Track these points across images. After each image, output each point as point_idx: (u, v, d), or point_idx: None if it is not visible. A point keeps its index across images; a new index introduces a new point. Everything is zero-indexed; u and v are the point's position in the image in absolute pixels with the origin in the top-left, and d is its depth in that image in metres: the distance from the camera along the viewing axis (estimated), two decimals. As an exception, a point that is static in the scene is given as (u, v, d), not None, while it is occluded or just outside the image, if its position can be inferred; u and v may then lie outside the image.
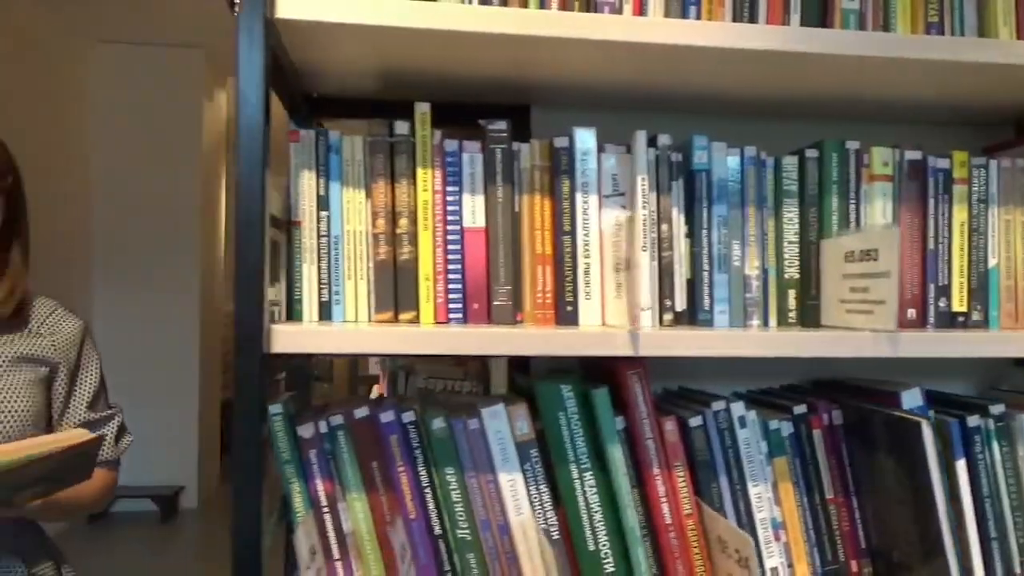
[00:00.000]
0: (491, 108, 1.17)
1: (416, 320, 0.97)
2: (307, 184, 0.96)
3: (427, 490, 0.95)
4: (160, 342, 5.15)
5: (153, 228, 5.15)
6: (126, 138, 5.13)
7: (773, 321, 1.06)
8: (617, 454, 0.96)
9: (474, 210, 0.99)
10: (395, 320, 0.97)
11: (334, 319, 0.97)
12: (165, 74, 5.22)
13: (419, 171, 0.97)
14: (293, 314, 0.96)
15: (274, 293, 0.92)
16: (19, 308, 1.22)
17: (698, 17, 1.02)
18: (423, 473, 0.95)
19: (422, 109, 0.98)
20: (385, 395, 2.03)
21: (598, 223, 1.02)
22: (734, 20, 1.03)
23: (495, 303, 0.98)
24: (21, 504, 1.06)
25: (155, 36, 5.13)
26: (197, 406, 5.26)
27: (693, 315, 1.03)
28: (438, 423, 0.95)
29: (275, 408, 0.93)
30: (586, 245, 1.01)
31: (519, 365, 1.22)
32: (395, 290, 0.97)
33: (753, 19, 1.03)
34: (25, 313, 1.23)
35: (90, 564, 4.24)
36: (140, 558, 4.38)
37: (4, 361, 1.16)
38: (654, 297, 1.01)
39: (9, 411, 1.13)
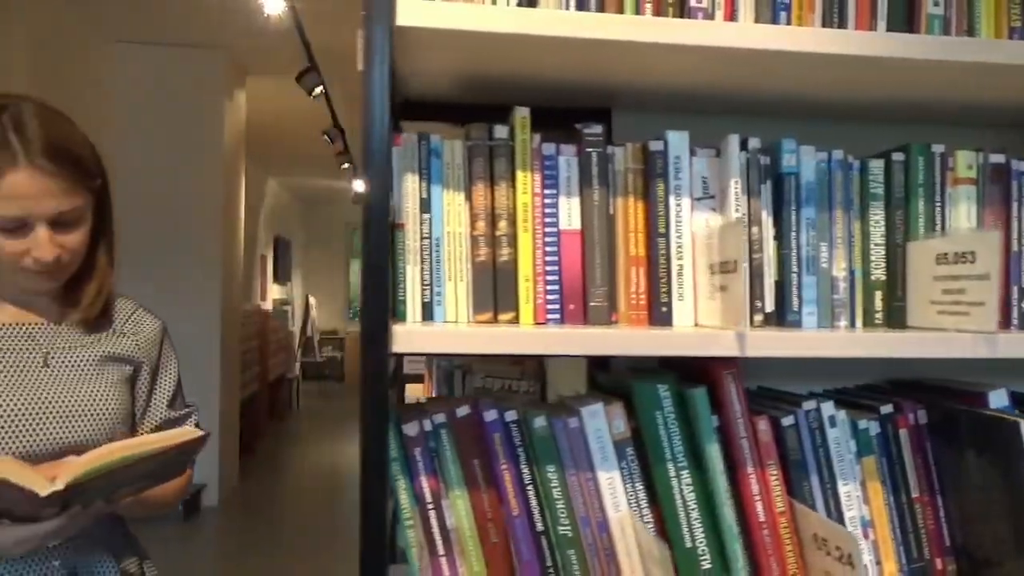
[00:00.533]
0: (572, 112, 1.19)
1: (515, 321, 0.99)
2: (410, 187, 0.98)
3: (529, 488, 0.96)
4: (181, 341, 5.16)
5: (174, 228, 5.17)
6: (147, 138, 5.15)
7: (859, 322, 1.08)
8: (715, 453, 0.97)
9: (570, 212, 1.01)
10: (495, 320, 0.99)
11: (435, 319, 0.98)
12: (186, 74, 5.24)
13: (519, 174, 0.99)
14: (397, 314, 0.97)
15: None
16: (104, 308, 1.23)
17: (788, 23, 1.04)
18: (525, 471, 0.96)
19: (522, 113, 0.99)
20: (434, 394, 2.05)
21: (690, 225, 1.03)
22: (823, 26, 1.04)
23: (592, 304, 1.00)
24: (118, 500, 1.07)
25: (175, 36, 5.15)
26: (218, 405, 5.28)
27: (781, 316, 1.05)
28: (539, 422, 0.96)
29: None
30: (679, 247, 1.02)
31: (599, 364, 1.24)
32: (494, 291, 0.99)
33: (842, 24, 1.05)
34: (109, 313, 1.25)
35: (117, 561, 4.25)
36: (166, 557, 4.41)
37: (92, 361, 1.18)
38: (746, 299, 1.02)
39: (100, 410, 1.14)
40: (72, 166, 1.09)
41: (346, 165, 7.58)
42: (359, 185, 9.25)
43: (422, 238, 0.98)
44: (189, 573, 4.15)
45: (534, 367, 1.74)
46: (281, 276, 10.41)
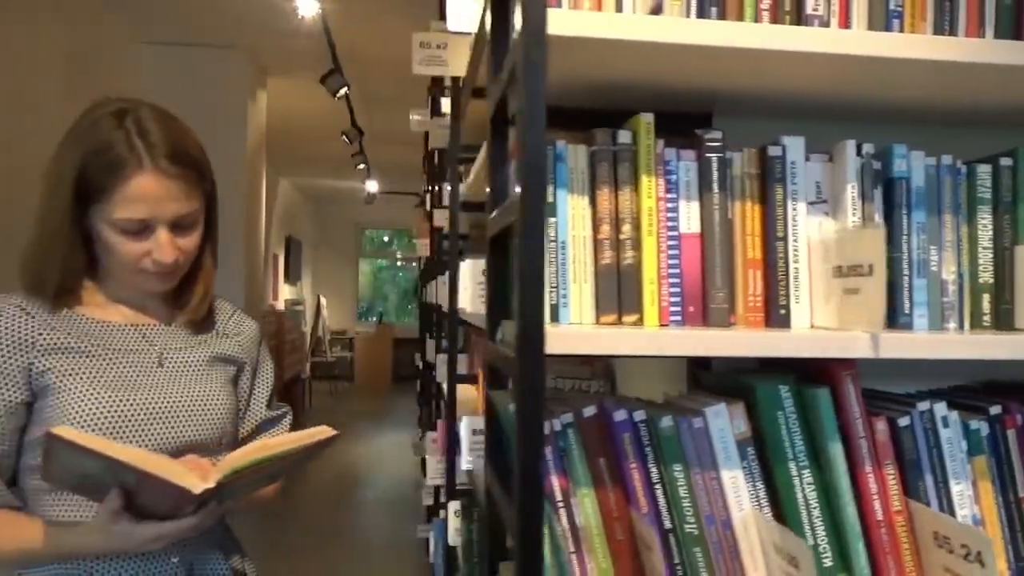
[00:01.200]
0: (673, 116, 1.20)
1: (639, 322, 1.01)
2: (537, 191, 0.99)
3: (657, 486, 0.98)
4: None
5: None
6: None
7: (967, 324, 1.09)
8: (838, 452, 0.99)
9: (689, 216, 1.03)
10: (619, 322, 1.01)
11: (560, 321, 1.00)
12: (210, 74, 5.26)
13: (643, 179, 1.01)
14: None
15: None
16: (208, 310, 1.25)
17: (900, 30, 1.06)
18: (653, 470, 0.98)
19: (646, 119, 1.01)
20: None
21: (805, 229, 1.05)
22: (934, 33, 1.06)
23: (712, 306, 1.02)
24: (242, 498, 1.09)
25: (200, 37, 5.17)
26: (241, 404, 5.30)
27: (893, 319, 1.06)
28: (666, 421, 0.98)
29: (513, 407, 0.96)
30: (796, 250, 1.04)
31: (700, 364, 1.26)
32: (619, 293, 1.01)
33: (953, 32, 1.06)
34: (213, 315, 1.27)
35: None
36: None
37: (202, 362, 1.20)
38: (882, 301, 1.04)
39: (213, 410, 1.16)
40: (192, 169, 1.11)
41: (362, 166, 7.60)
42: (372, 186, 9.27)
43: (548, 242, 1.00)
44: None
45: (603, 367, 1.76)
46: (292, 276, 10.43)
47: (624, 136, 1.01)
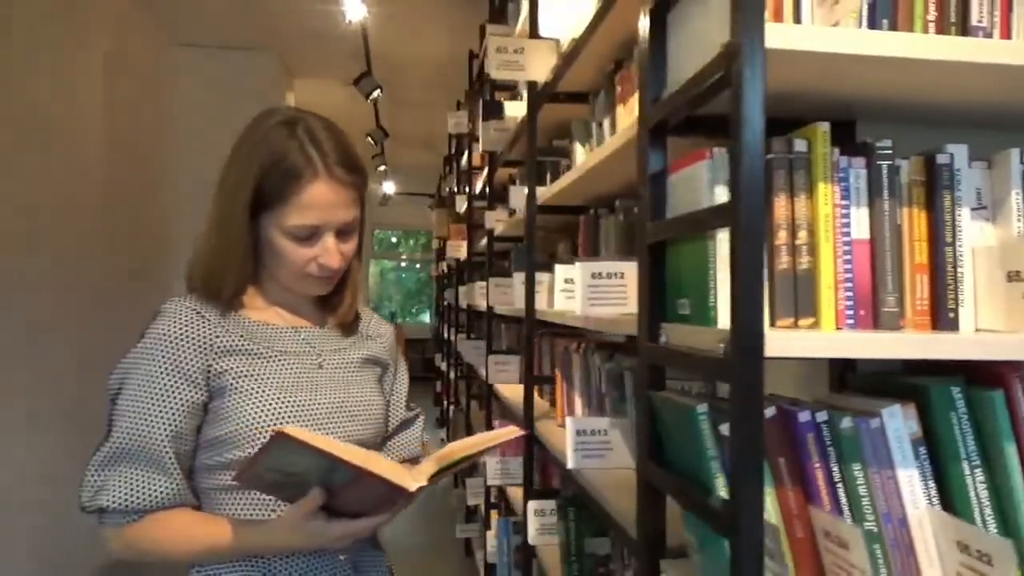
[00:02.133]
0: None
1: (816, 326, 1.03)
2: (719, 199, 1.02)
3: (838, 485, 1.01)
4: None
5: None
6: (207, 138, 5.16)
7: (1120, 327, 1.12)
8: (1012, 453, 1.02)
9: (859, 222, 1.06)
10: (795, 326, 1.03)
11: (739, 324, 1.03)
12: (243, 76, 5.27)
13: (819, 186, 1.03)
14: (707, 320, 1.02)
15: None
16: (355, 313, 1.28)
17: (1059, 41, 1.08)
18: (834, 469, 1.01)
19: (823, 128, 1.04)
20: (580, 398, 2.09)
21: (969, 234, 1.08)
22: (1093, 43, 1.09)
23: (884, 310, 1.05)
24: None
25: (232, 40, 5.19)
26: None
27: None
28: (846, 422, 1.01)
29: (701, 408, 0.99)
30: (961, 255, 1.07)
31: (845, 366, 1.28)
32: (795, 297, 1.03)
33: (1111, 42, 1.09)
34: (358, 318, 1.29)
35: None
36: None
37: (355, 363, 1.22)
38: None
39: (370, 410, 1.19)
40: (359, 177, 1.13)
41: (382, 167, 7.63)
42: (389, 187, 9.29)
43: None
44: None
45: (706, 369, 1.78)
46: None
47: (800, 144, 1.04)
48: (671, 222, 1.08)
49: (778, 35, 0.89)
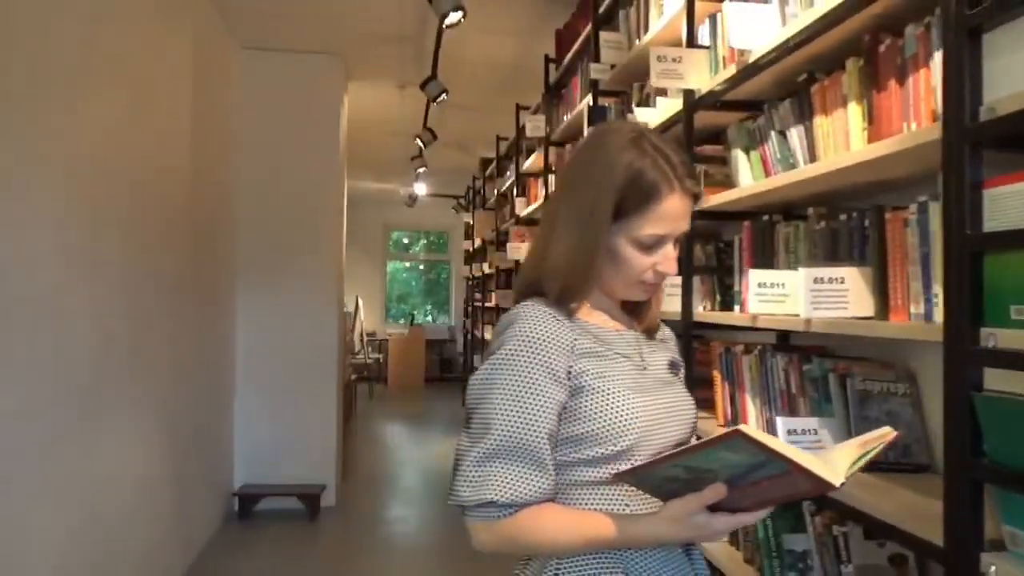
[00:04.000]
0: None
1: None
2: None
3: None
4: (301, 340, 5.21)
5: (294, 229, 5.21)
6: (272, 141, 5.19)
7: None
8: None
9: None
10: None
11: None
12: (305, 80, 5.29)
13: None
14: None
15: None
16: (653, 318, 1.33)
17: None
18: None
19: None
20: (749, 398, 2.14)
21: None
22: None
23: None
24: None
25: (296, 43, 5.21)
26: (336, 405, 5.34)
27: None
28: None
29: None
30: None
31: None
32: None
33: None
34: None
35: (249, 564, 4.31)
36: (299, 556, 4.46)
37: (666, 366, 1.28)
38: None
39: (689, 411, 1.24)
40: (698, 187, 1.18)
41: (422, 169, 7.65)
42: (420, 188, 9.31)
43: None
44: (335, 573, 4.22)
45: (904, 370, 1.85)
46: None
47: None
48: (1013, 234, 1.13)
49: None
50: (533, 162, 5.05)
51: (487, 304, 7.53)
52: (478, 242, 8.32)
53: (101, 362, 2.86)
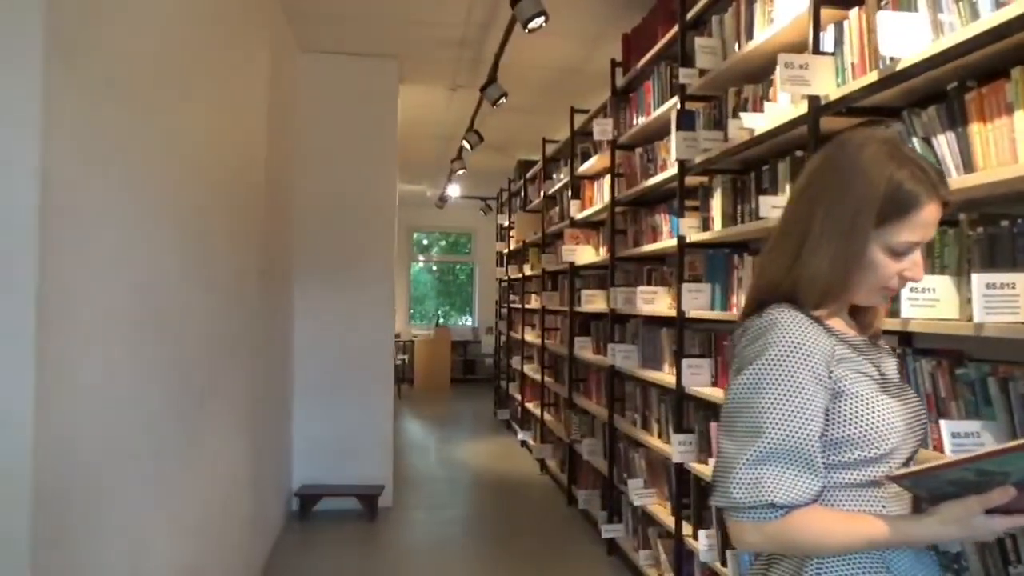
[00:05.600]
0: None
1: None
2: None
3: None
4: (356, 341, 5.24)
5: (349, 231, 5.25)
6: (324, 145, 5.22)
7: None
8: None
9: None
10: None
11: None
12: (362, 83, 5.33)
13: None
14: None
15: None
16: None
17: None
18: None
19: None
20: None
21: None
22: None
23: None
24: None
25: (353, 46, 5.24)
26: (392, 405, 5.36)
27: None
28: None
29: None
30: None
31: None
32: None
33: None
34: None
35: (319, 564, 4.34)
36: (366, 555, 4.49)
37: (897, 372, 1.30)
38: None
39: (923, 415, 1.27)
40: (949, 194, 1.21)
41: (462, 171, 7.68)
42: (454, 190, 9.34)
43: None
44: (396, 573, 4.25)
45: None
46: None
47: None
48: None
49: None
50: (593, 164, 5.08)
51: (527, 306, 7.54)
52: (514, 244, 8.34)
53: (209, 369, 2.89)
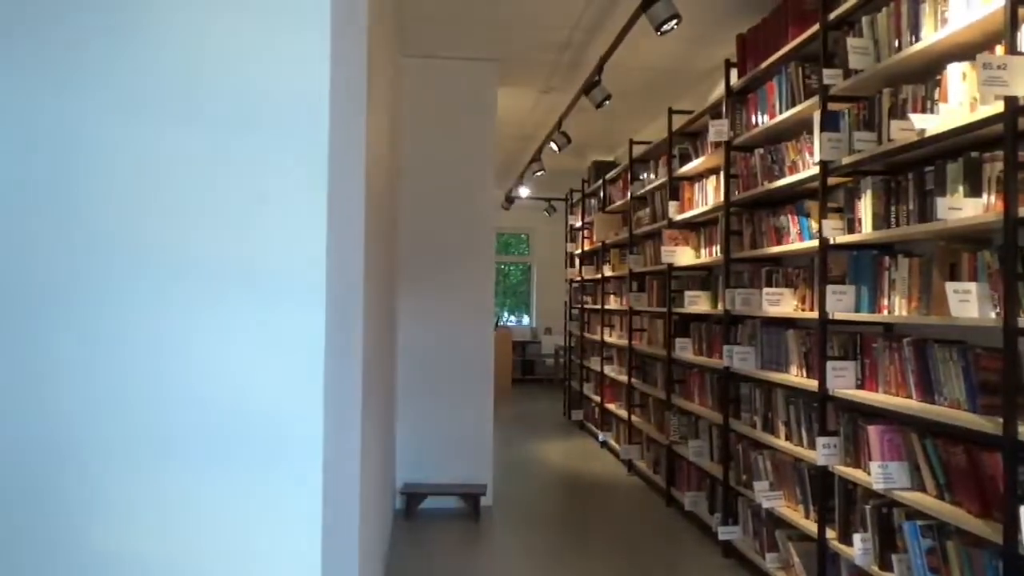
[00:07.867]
0: None
1: None
2: None
3: None
4: (457, 341, 5.28)
5: (451, 234, 5.29)
6: (427, 147, 5.27)
7: None
8: None
9: None
10: None
11: None
12: (463, 86, 5.36)
13: None
14: None
15: None
16: None
17: None
18: None
19: None
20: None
21: None
22: None
23: None
24: None
25: (453, 50, 5.28)
26: (492, 405, 5.39)
27: None
28: None
29: None
30: None
31: None
32: None
33: None
34: None
35: (429, 562, 4.37)
36: (473, 554, 4.52)
37: None
38: None
39: None
40: None
41: (540, 172, 7.69)
42: (524, 190, 9.37)
43: None
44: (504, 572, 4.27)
45: None
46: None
47: None
48: None
49: None
50: (697, 165, 5.07)
51: (607, 307, 7.54)
52: (588, 245, 8.34)
53: (370, 372, 2.93)
